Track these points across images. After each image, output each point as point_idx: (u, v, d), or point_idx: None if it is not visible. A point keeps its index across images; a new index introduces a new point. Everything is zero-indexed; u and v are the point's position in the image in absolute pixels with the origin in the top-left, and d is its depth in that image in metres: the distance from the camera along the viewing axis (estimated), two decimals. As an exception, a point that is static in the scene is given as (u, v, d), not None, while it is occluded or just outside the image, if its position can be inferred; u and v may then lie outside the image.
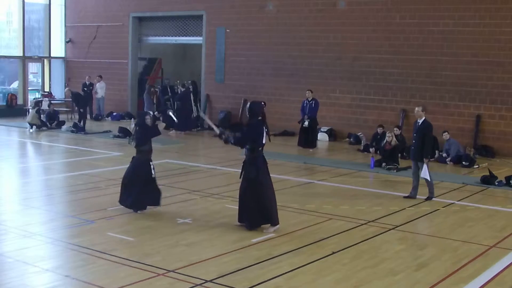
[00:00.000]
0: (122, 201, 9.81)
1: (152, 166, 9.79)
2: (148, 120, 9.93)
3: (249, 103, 9.15)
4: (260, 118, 8.92)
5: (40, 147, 17.90)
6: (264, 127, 8.85)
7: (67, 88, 22.53)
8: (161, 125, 21.05)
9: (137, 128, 10.01)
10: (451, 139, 16.09)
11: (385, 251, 8.02)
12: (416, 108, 11.53)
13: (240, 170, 8.89)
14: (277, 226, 8.78)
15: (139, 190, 9.61)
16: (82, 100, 21.51)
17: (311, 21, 20.34)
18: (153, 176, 9.77)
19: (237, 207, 8.99)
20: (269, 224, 8.77)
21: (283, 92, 21.01)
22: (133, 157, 9.93)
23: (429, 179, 11.20)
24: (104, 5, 25.68)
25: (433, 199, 11.34)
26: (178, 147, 17.21)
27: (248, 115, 9.03)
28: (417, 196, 11.42)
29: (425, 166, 11.10)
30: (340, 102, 19.83)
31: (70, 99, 22.31)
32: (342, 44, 19.77)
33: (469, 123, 17.60)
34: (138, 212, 9.63)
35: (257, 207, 8.70)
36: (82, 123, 20.53)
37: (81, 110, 21.16)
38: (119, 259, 7.34)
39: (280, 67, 21.04)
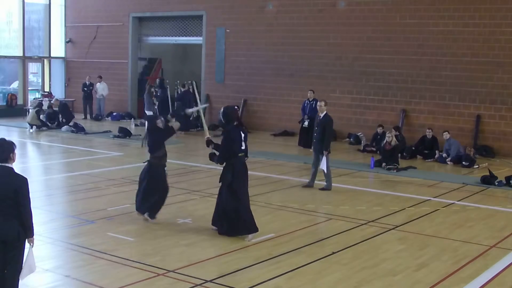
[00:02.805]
0: (138, 208, 9.19)
1: (166, 173, 9.26)
2: (160, 123, 9.32)
3: (222, 109, 8.73)
4: (236, 123, 8.52)
5: (40, 147, 17.89)
6: (241, 132, 8.44)
7: (54, 98, 22.08)
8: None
9: (149, 133, 9.37)
10: (451, 139, 16.09)
11: (385, 251, 8.02)
12: (319, 103, 12.21)
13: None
14: (253, 234, 8.37)
15: (157, 198, 9.14)
16: (67, 112, 21.38)
17: (311, 21, 20.34)
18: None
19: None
20: (246, 234, 8.35)
21: (283, 92, 21.01)
22: (148, 161, 9.27)
23: (325, 171, 11.69)
24: (104, 5, 25.68)
25: (432, 199, 11.35)
26: (178, 147, 17.20)
27: (223, 121, 8.67)
28: (417, 196, 11.44)
29: (324, 158, 11.56)
30: (340, 102, 19.82)
31: (57, 109, 21.55)
32: (342, 44, 19.77)
33: (469, 123, 17.60)
34: (153, 220, 9.11)
35: (227, 214, 8.34)
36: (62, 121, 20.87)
37: (63, 120, 21.09)
38: (119, 259, 7.34)
39: (280, 67, 21.04)
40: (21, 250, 5.44)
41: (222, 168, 8.55)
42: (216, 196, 8.69)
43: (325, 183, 11.86)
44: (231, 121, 8.53)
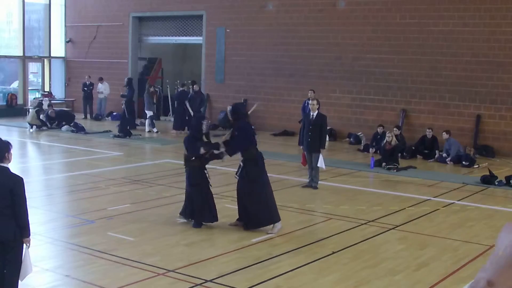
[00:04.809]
0: (183, 212, 9.06)
1: (207, 175, 8.94)
2: (205, 125, 8.93)
3: (231, 106, 8.91)
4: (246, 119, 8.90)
5: (40, 147, 17.90)
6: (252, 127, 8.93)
7: (51, 110, 21.76)
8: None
9: (190, 131, 9.07)
10: (451, 139, 16.09)
11: (385, 251, 8.02)
12: (311, 101, 12.24)
13: (239, 169, 8.80)
14: (279, 222, 8.75)
15: (199, 202, 8.83)
16: (67, 118, 21.29)
17: (311, 21, 20.34)
18: (210, 184, 8.99)
19: (236, 207, 8.98)
20: (272, 225, 8.72)
21: (283, 92, 21.02)
22: (185, 169, 9.06)
23: (324, 168, 11.87)
24: (104, 5, 25.68)
25: (432, 199, 11.35)
26: (176, 146, 17.21)
27: (232, 118, 8.77)
28: (417, 196, 11.44)
29: (321, 156, 11.61)
30: (340, 102, 19.84)
31: (54, 118, 21.17)
32: (342, 44, 19.78)
33: (469, 123, 17.61)
34: (195, 227, 8.84)
35: (258, 207, 8.64)
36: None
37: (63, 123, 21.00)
38: (119, 259, 7.34)
39: (280, 67, 21.04)
40: (19, 251, 5.44)
41: (241, 165, 8.75)
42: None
43: (313, 182, 11.92)
44: (241, 117, 8.69)
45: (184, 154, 9.02)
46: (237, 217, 9.00)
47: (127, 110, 20.05)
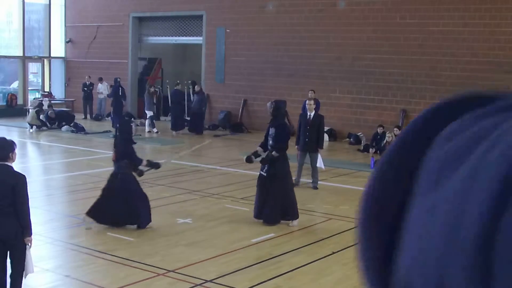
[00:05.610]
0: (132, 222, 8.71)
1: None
2: (133, 127, 9.04)
3: (273, 103, 9.26)
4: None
5: (40, 147, 17.89)
6: None
7: (50, 110, 21.69)
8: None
9: (121, 137, 8.86)
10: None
11: (385, 251, 8.02)
12: (308, 101, 12.33)
13: (266, 168, 8.95)
14: (298, 219, 9.11)
15: (141, 205, 8.72)
16: (67, 118, 21.30)
17: (311, 21, 20.34)
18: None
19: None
20: (291, 220, 9.07)
21: (283, 92, 20.99)
22: (115, 175, 8.82)
23: (323, 168, 12.05)
24: (104, 5, 25.67)
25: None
26: (177, 147, 17.21)
27: (273, 115, 9.16)
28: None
29: (319, 156, 11.77)
30: (340, 102, 19.83)
31: (54, 119, 21.06)
32: (342, 44, 19.77)
33: (469, 123, 17.59)
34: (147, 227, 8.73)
35: (283, 202, 8.90)
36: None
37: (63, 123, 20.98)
38: (119, 259, 7.34)
39: (280, 67, 21.04)
40: (22, 250, 5.44)
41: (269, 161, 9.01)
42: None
43: (312, 182, 11.98)
44: (281, 115, 8.98)
45: (125, 162, 8.75)
46: (253, 214, 9.13)
47: (113, 110, 20.19)
